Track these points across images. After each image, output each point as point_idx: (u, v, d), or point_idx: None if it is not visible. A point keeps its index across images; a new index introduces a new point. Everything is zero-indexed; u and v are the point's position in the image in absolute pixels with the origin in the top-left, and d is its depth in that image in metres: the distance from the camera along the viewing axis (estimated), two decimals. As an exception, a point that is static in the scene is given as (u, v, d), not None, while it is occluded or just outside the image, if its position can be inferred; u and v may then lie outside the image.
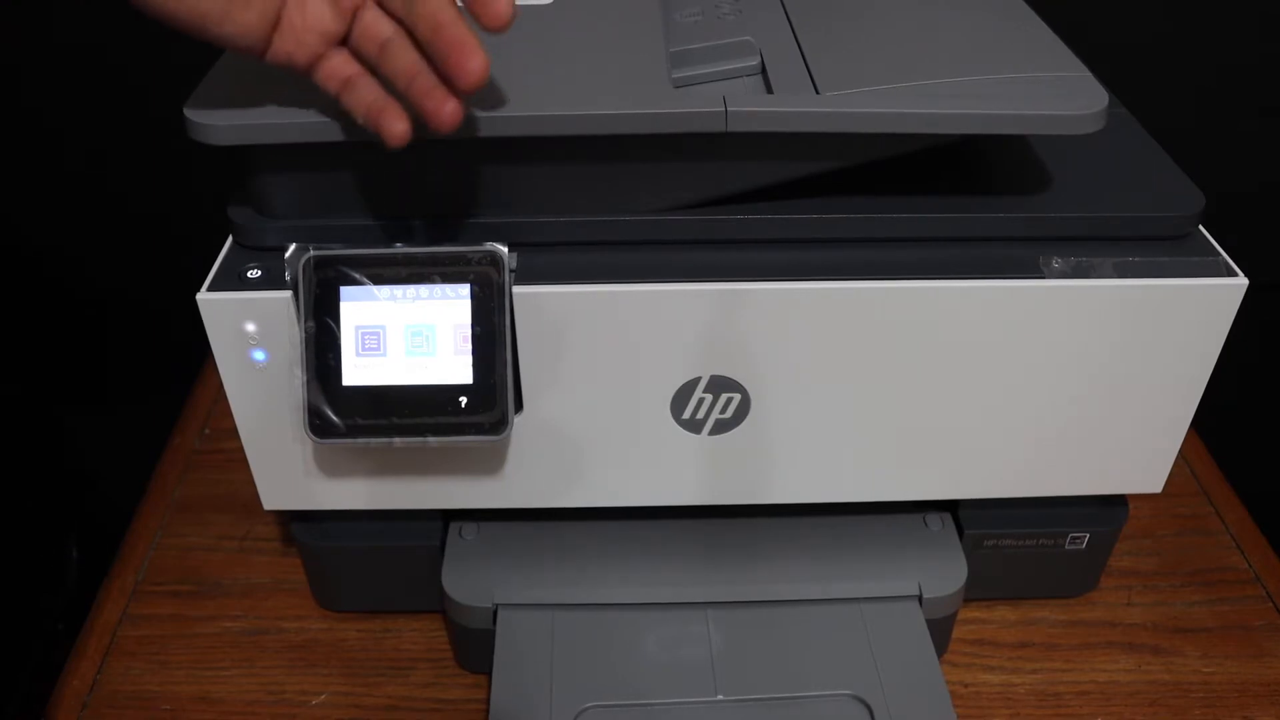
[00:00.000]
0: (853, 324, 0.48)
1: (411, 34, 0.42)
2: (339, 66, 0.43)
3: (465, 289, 0.47)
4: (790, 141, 0.46)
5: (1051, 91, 0.46)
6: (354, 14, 0.43)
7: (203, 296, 0.47)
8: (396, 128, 0.42)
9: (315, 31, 0.42)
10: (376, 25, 0.43)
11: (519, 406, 0.50)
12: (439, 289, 0.47)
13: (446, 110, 0.41)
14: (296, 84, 0.47)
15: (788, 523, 0.60)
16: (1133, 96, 0.58)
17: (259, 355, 0.48)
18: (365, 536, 0.59)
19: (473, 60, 0.40)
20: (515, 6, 0.41)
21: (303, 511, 0.59)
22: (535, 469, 0.53)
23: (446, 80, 0.41)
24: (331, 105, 0.45)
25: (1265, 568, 0.67)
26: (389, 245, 0.47)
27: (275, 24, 0.42)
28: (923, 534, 0.60)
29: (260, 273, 0.48)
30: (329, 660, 0.61)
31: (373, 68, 0.43)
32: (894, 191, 0.50)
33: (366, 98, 0.42)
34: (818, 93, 0.47)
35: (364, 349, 0.47)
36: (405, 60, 0.42)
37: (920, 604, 0.58)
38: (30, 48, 0.84)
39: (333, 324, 0.47)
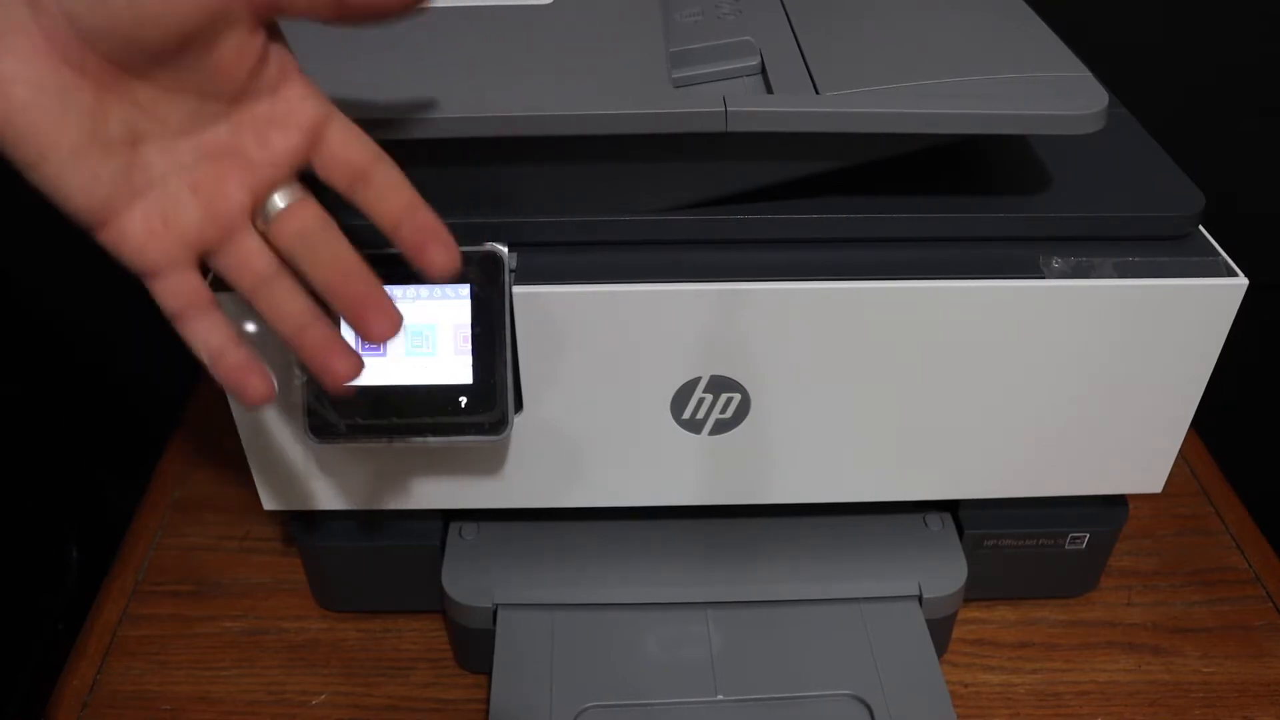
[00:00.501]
0: (853, 324, 0.48)
1: (302, 276, 0.38)
2: (186, 286, 0.37)
3: (465, 289, 0.47)
4: (790, 141, 0.46)
5: (1051, 91, 0.46)
6: (229, 234, 0.37)
7: (203, 296, 0.47)
8: (258, 389, 0.38)
9: (173, 236, 0.36)
10: (259, 256, 0.37)
11: (519, 406, 0.50)
12: (439, 289, 0.47)
13: (345, 368, 0.38)
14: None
15: (788, 523, 0.60)
16: (1133, 96, 0.58)
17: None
18: (365, 536, 0.59)
19: (385, 318, 0.38)
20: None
21: (303, 511, 0.59)
22: (535, 469, 0.53)
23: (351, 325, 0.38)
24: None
25: (1265, 568, 0.67)
26: (389, 245, 0.47)
27: (127, 200, 0.35)
28: (923, 534, 0.60)
29: (260, 273, 0.48)
30: (329, 660, 0.61)
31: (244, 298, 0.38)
32: (894, 191, 0.50)
33: (217, 337, 0.37)
34: (818, 93, 0.47)
35: (364, 349, 0.47)
36: (294, 305, 0.38)
37: (920, 604, 0.58)
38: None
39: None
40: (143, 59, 0.34)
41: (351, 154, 0.38)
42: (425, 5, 0.37)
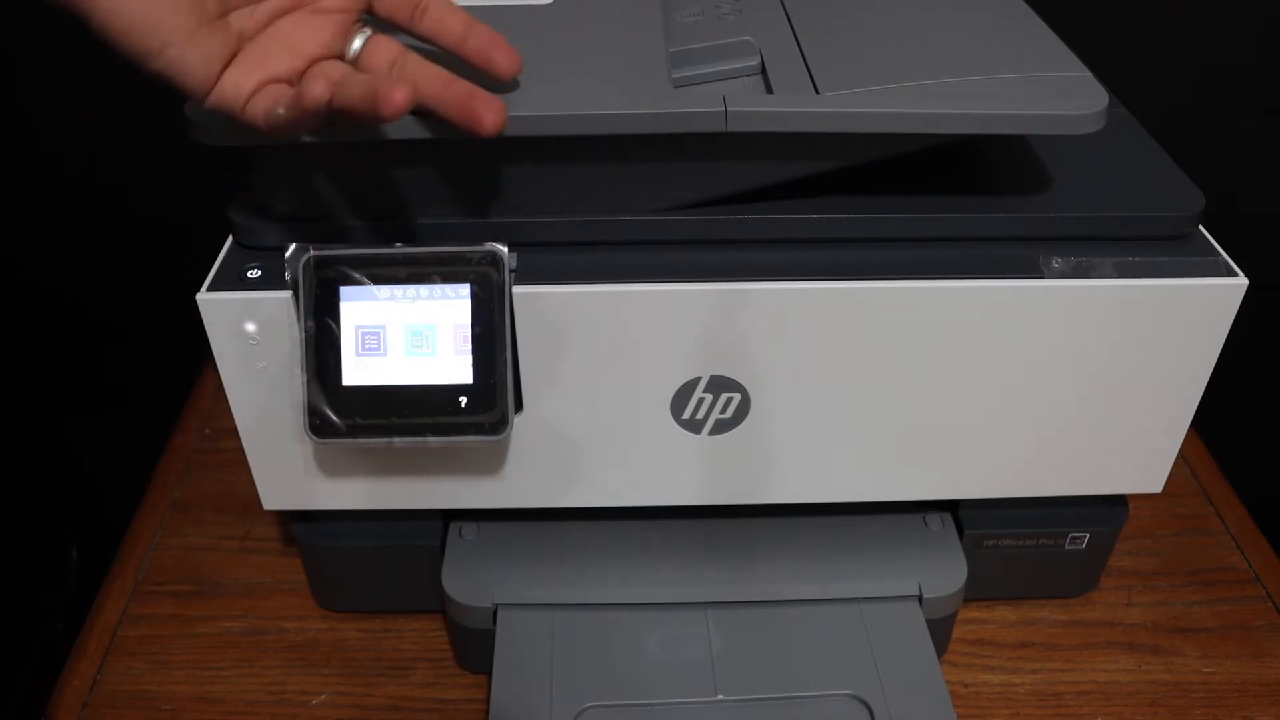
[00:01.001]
0: (853, 324, 0.48)
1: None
2: (272, 90, 0.42)
3: (465, 289, 0.47)
4: (790, 141, 0.46)
5: (1051, 91, 0.46)
6: (308, 64, 0.43)
7: (203, 296, 0.47)
8: (317, 92, 0.40)
9: (264, 75, 0.41)
10: (334, 68, 0.43)
11: (519, 406, 0.50)
12: (439, 289, 0.47)
13: (396, 100, 0.39)
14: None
15: (788, 523, 0.60)
16: (1133, 96, 0.58)
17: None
18: (365, 536, 0.59)
19: (493, 109, 0.41)
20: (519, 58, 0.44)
21: (303, 511, 0.59)
22: (535, 469, 0.53)
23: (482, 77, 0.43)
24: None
25: (1265, 568, 0.67)
26: (389, 245, 0.47)
27: (227, 63, 0.41)
28: (923, 534, 0.60)
29: (260, 273, 0.48)
30: (329, 660, 0.61)
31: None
32: (894, 191, 0.50)
33: (282, 97, 0.41)
34: (818, 93, 0.47)
35: (364, 349, 0.47)
36: (358, 86, 0.40)
37: (920, 604, 0.58)
38: (30, 47, 0.84)
39: (333, 324, 0.47)
40: None
41: None
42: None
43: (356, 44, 0.44)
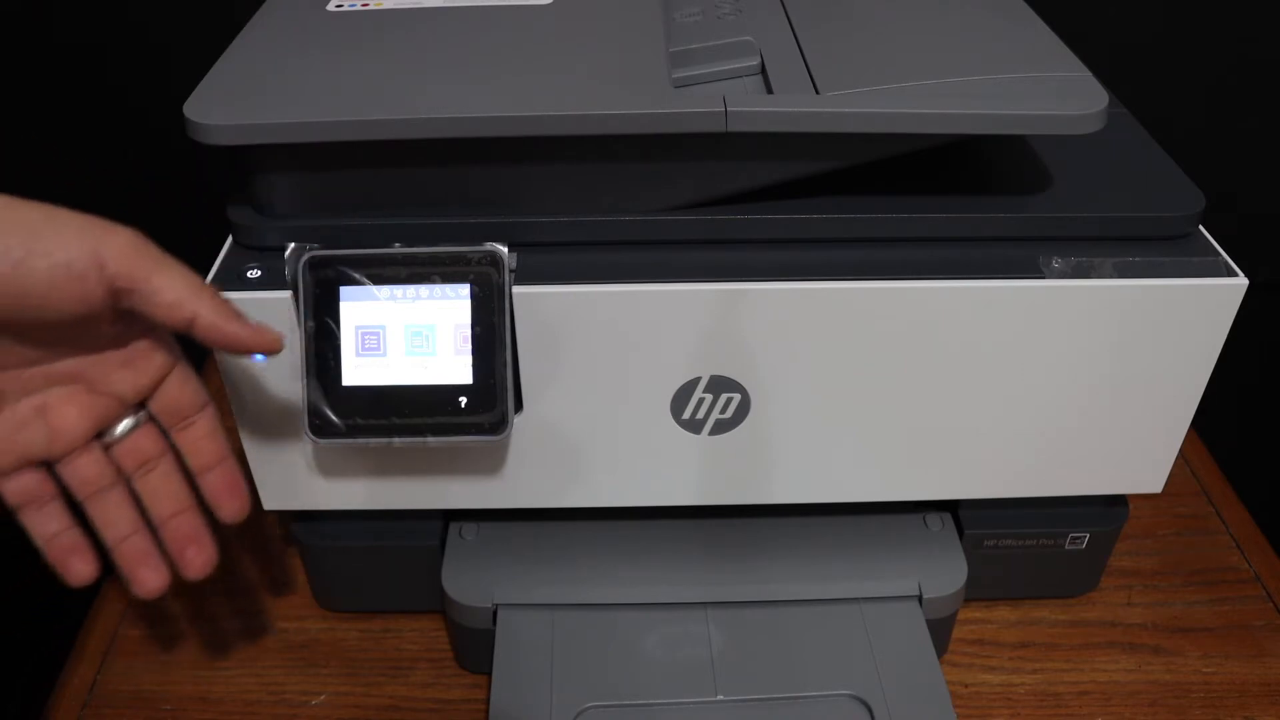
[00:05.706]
0: (853, 324, 0.48)
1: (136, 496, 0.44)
2: (28, 484, 0.42)
3: (465, 289, 0.47)
4: (790, 141, 0.46)
5: (1051, 91, 0.46)
6: (68, 450, 0.42)
7: (203, 296, 0.47)
8: (80, 571, 0.43)
9: (16, 451, 0.41)
10: (94, 470, 0.43)
11: (519, 406, 0.50)
12: (439, 289, 0.47)
13: (153, 581, 0.44)
14: (296, 84, 0.47)
15: (788, 523, 0.60)
16: (1133, 96, 0.59)
17: (258, 356, 0.48)
18: (365, 536, 0.59)
19: (203, 555, 0.46)
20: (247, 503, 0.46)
21: (303, 511, 0.59)
22: (535, 469, 0.53)
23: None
24: (333, 106, 0.45)
25: (1265, 568, 0.67)
26: (389, 245, 0.47)
27: None
28: (923, 534, 0.60)
29: (260, 273, 0.48)
30: (329, 660, 0.61)
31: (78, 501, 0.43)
32: (894, 191, 0.50)
33: (52, 526, 0.42)
34: (818, 93, 0.47)
35: (364, 349, 0.47)
36: (120, 516, 0.43)
37: (920, 604, 0.58)
38: (29, 47, 0.84)
39: (333, 324, 0.47)
40: (15, 328, 0.39)
41: (184, 399, 0.44)
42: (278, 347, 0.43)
43: (125, 425, 0.44)
